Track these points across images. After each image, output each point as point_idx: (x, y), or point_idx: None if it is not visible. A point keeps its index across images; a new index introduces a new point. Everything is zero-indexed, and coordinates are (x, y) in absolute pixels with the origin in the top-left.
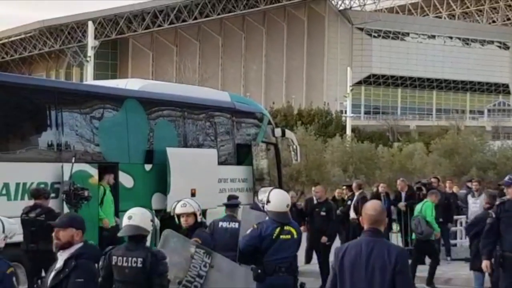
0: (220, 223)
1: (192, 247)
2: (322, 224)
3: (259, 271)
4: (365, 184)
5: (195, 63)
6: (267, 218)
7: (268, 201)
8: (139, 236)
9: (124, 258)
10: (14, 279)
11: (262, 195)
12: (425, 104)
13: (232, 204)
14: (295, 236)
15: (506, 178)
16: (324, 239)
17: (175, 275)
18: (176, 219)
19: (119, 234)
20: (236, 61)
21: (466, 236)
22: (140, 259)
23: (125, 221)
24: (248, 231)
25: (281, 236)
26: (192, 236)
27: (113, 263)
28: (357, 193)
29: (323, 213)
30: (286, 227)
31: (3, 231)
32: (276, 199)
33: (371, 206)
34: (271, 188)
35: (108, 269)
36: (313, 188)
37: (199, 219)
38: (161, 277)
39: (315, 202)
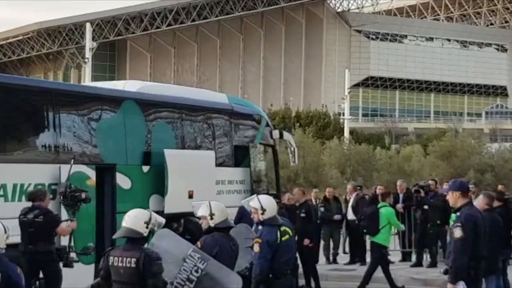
0: None
1: (188, 250)
2: (303, 226)
3: (270, 275)
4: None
5: (193, 65)
6: (259, 227)
7: (264, 210)
8: (133, 237)
9: (120, 258)
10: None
11: (246, 204)
12: (423, 107)
13: None
14: (291, 234)
15: (444, 186)
16: (306, 241)
17: (164, 275)
18: None
19: (114, 236)
20: (234, 63)
21: None
22: (133, 259)
23: (122, 223)
24: (257, 249)
25: (282, 238)
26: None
27: (110, 263)
28: (353, 195)
29: (302, 215)
30: (282, 228)
31: (5, 232)
32: (269, 205)
33: None
34: (252, 197)
35: (107, 269)
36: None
37: (211, 224)
38: (155, 278)
39: (296, 205)
